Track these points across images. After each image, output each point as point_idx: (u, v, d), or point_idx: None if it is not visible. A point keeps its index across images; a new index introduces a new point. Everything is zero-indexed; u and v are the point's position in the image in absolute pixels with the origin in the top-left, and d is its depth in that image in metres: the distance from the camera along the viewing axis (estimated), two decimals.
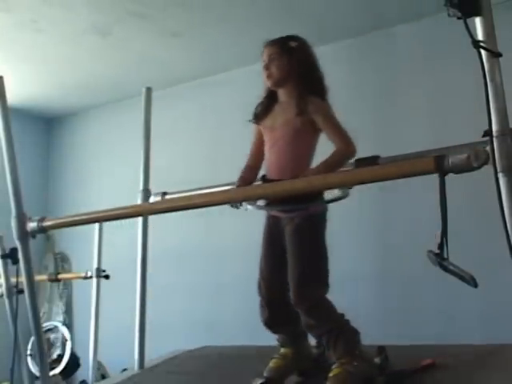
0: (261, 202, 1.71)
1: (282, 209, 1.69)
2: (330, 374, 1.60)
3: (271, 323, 1.78)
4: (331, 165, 1.63)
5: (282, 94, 1.75)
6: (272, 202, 1.69)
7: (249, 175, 1.82)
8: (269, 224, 1.78)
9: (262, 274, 1.78)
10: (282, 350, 1.80)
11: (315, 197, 1.66)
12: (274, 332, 1.82)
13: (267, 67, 1.71)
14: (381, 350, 1.74)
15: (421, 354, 1.88)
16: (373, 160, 1.77)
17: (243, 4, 3.12)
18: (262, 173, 1.83)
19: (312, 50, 1.77)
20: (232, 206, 1.71)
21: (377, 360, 1.71)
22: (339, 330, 1.65)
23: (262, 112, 1.78)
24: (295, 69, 1.70)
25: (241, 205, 1.69)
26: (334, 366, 1.62)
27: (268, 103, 1.77)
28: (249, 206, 1.67)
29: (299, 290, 1.64)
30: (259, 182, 1.79)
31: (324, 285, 1.69)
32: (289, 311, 1.72)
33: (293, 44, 1.72)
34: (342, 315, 1.70)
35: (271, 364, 1.76)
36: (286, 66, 1.70)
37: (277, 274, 1.73)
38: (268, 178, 1.72)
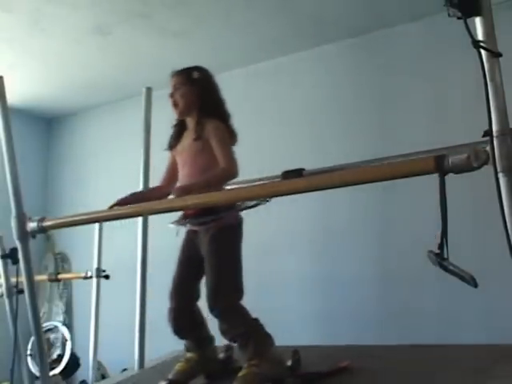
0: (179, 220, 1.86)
1: (197, 222, 1.81)
2: (239, 374, 1.70)
3: (178, 329, 1.90)
4: (209, 180, 1.76)
5: (188, 120, 1.92)
6: (189, 217, 1.81)
7: (144, 194, 2.00)
8: (187, 238, 1.92)
9: (174, 283, 1.91)
10: (188, 354, 1.93)
11: (229, 207, 1.79)
12: (181, 338, 1.93)
13: (172, 96, 1.88)
14: (294, 353, 1.84)
15: (350, 355, 1.95)
16: (298, 172, 1.88)
17: (244, 4, 3.12)
18: None
19: (213, 79, 1.97)
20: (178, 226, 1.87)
21: (289, 362, 1.81)
22: (251, 334, 1.75)
23: (174, 141, 1.95)
24: (198, 98, 1.86)
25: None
26: (243, 367, 1.73)
27: (178, 132, 1.94)
28: (171, 225, 1.84)
29: (214, 297, 1.76)
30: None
31: (237, 291, 1.80)
32: (194, 318, 1.90)
33: (196, 75, 1.90)
34: (256, 320, 1.80)
35: (176, 367, 1.87)
36: (189, 95, 1.86)
37: (188, 284, 1.89)
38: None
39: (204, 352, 1.93)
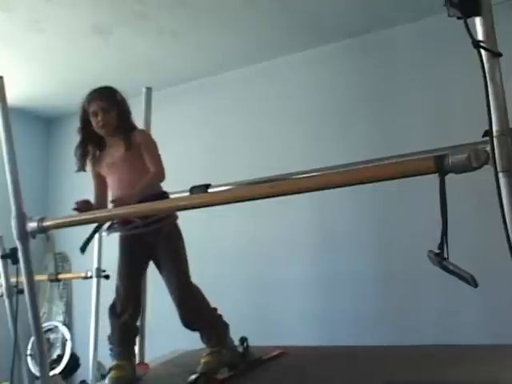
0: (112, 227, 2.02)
1: (150, 222, 1.91)
2: (203, 360, 1.90)
3: (126, 333, 2.06)
4: (143, 186, 1.92)
5: (110, 137, 2.06)
6: (126, 223, 1.95)
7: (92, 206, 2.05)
8: (129, 242, 2.04)
9: (124, 288, 2.02)
10: (120, 362, 1.99)
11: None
12: (122, 343, 2.04)
13: (102, 118, 2.01)
14: (243, 340, 2.06)
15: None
16: (204, 188, 2.06)
17: (243, 4, 3.12)
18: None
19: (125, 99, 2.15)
20: (108, 234, 2.06)
21: (240, 349, 2.05)
22: (212, 324, 1.99)
23: (95, 159, 2.11)
24: (123, 117, 2.06)
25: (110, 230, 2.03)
26: (205, 354, 1.94)
27: (94, 151, 2.12)
28: (104, 233, 2.07)
29: (181, 287, 1.96)
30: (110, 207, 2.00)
31: (190, 279, 2.04)
32: (136, 323, 2.13)
33: (118, 97, 2.11)
34: (215, 309, 2.04)
35: (113, 375, 1.94)
36: (117, 116, 2.04)
37: (137, 286, 2.08)
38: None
39: (133, 359, 2.07)
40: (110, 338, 2.05)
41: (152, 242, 1.99)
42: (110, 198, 2.06)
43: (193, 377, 1.83)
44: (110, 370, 1.96)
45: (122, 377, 1.94)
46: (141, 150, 2.00)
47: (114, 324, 2.03)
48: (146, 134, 2.10)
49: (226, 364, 1.94)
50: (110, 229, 2.03)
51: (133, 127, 2.09)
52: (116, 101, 2.09)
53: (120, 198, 1.89)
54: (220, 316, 2.05)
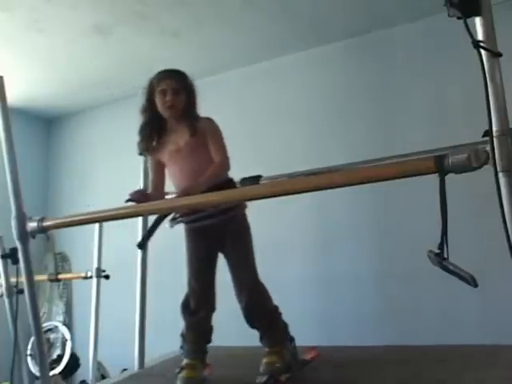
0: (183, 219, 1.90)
1: (220, 211, 1.82)
2: (266, 360, 1.82)
3: (201, 330, 1.97)
4: (209, 176, 1.80)
5: (174, 121, 1.94)
6: (195, 213, 1.86)
7: (150, 196, 1.92)
8: (197, 234, 1.94)
9: (199, 281, 1.96)
10: (192, 361, 1.90)
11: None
12: (196, 341, 1.95)
13: (172, 99, 1.90)
14: (291, 340, 1.96)
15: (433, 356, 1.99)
16: (255, 179, 2.01)
17: (243, 4, 3.12)
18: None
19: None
20: (171, 226, 1.90)
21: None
22: (275, 322, 1.91)
23: (157, 143, 1.96)
24: (191, 102, 1.95)
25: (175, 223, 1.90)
26: (268, 353, 1.85)
27: (158, 130, 1.96)
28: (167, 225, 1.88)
29: (251, 281, 1.88)
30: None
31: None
32: (211, 320, 1.99)
33: (189, 81, 2.00)
34: (277, 307, 1.94)
35: (184, 375, 1.84)
36: (186, 100, 1.93)
37: (212, 280, 1.97)
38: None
39: (205, 358, 1.97)
40: (182, 335, 1.95)
41: (221, 233, 1.88)
42: (173, 187, 1.96)
43: (263, 379, 1.76)
44: (182, 369, 1.87)
45: (194, 377, 1.85)
46: (206, 138, 1.89)
47: (189, 321, 1.94)
48: (212, 121, 1.95)
49: (287, 364, 1.84)
50: (173, 220, 1.89)
51: (198, 116, 1.97)
52: (186, 84, 1.99)
53: (185, 189, 1.77)
54: (281, 314, 1.95)
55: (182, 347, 1.94)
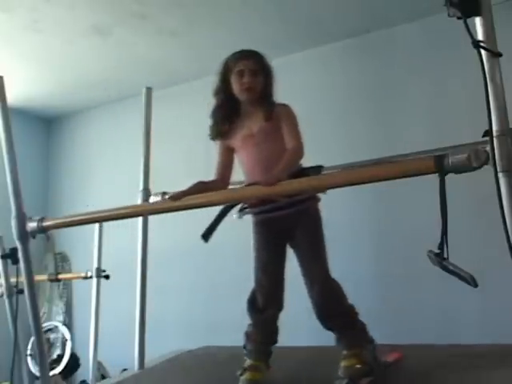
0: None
1: (294, 201, 1.71)
2: (345, 364, 1.66)
3: (269, 329, 1.82)
4: (287, 163, 1.65)
5: (249, 105, 1.82)
6: (263, 203, 1.75)
7: (206, 185, 1.82)
8: (265, 226, 1.81)
9: (266, 276, 1.80)
10: (256, 362, 1.77)
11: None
12: (263, 341, 1.81)
13: (249, 80, 1.77)
14: (371, 340, 1.78)
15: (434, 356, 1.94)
16: (317, 169, 1.84)
17: (242, 4, 3.12)
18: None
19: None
20: (240, 217, 1.78)
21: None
22: (352, 322, 1.74)
23: (229, 128, 1.83)
24: (268, 85, 1.82)
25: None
26: (346, 356, 1.68)
27: (231, 115, 1.83)
28: (235, 216, 1.77)
29: (322, 277, 1.73)
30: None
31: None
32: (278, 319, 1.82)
33: (268, 63, 1.85)
34: (353, 306, 1.77)
35: (247, 377, 1.72)
36: (263, 83, 1.80)
37: (281, 275, 1.82)
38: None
39: (269, 360, 1.82)
40: (247, 334, 1.83)
41: (291, 226, 1.75)
42: (248, 177, 1.83)
43: (343, 383, 1.63)
44: (244, 370, 1.73)
45: (258, 380, 1.71)
46: (280, 123, 1.76)
47: (255, 319, 1.81)
48: (288, 107, 1.82)
49: (367, 367, 1.68)
50: (242, 211, 1.77)
51: (274, 101, 1.84)
52: (264, 65, 1.83)
53: (266, 179, 1.58)
54: (358, 314, 1.78)
55: (244, 347, 1.82)
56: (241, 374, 1.72)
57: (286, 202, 1.69)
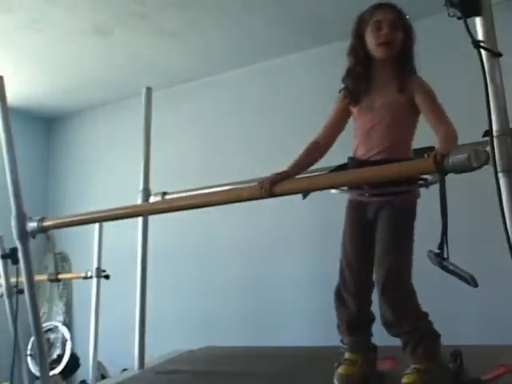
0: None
1: (380, 192, 1.54)
2: (404, 381, 1.46)
3: (354, 323, 1.62)
4: (452, 145, 1.36)
5: (381, 68, 1.57)
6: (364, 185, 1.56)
7: (307, 158, 1.67)
8: (354, 209, 1.62)
9: (350, 266, 1.61)
10: (351, 355, 1.61)
11: (414, 180, 1.53)
12: (351, 333, 1.63)
13: (389, 33, 1.54)
14: (456, 353, 1.56)
15: (495, 355, 1.79)
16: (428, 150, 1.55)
17: (242, 5, 3.12)
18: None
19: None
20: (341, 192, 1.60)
21: (451, 366, 1.54)
22: (421, 332, 1.52)
23: (361, 90, 1.58)
24: (406, 48, 1.58)
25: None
26: (408, 371, 1.48)
27: (365, 78, 1.58)
28: (333, 191, 1.58)
29: (389, 278, 1.50)
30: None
31: (411, 277, 1.55)
32: (370, 310, 1.62)
33: (409, 21, 1.62)
34: (426, 314, 1.56)
35: (341, 371, 1.57)
36: (401, 40, 1.56)
37: (367, 265, 1.57)
38: (359, 159, 1.57)
39: (369, 353, 1.64)
40: (338, 327, 1.68)
41: (374, 216, 1.56)
42: (358, 148, 1.59)
43: None
44: (339, 364, 1.58)
45: (352, 374, 1.55)
46: (415, 101, 1.53)
47: (342, 312, 1.66)
48: (425, 82, 1.58)
49: None
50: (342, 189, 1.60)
51: (413, 70, 1.58)
52: (406, 22, 1.60)
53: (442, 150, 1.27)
54: (431, 323, 1.56)
55: (341, 340, 1.67)
56: (336, 368, 1.59)
57: (381, 188, 1.51)
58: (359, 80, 1.58)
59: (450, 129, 1.46)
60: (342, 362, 1.59)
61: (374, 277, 1.56)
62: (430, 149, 1.48)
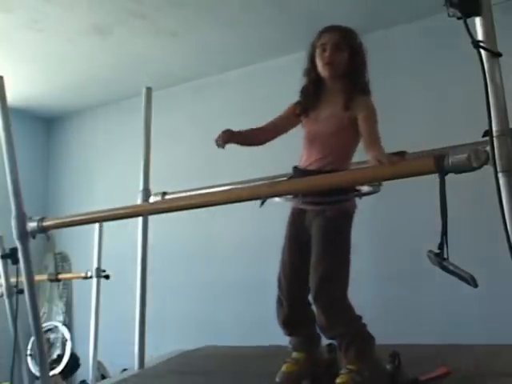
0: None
1: (314, 201, 1.64)
2: (337, 381, 1.53)
3: (289, 322, 1.70)
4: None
5: (330, 85, 1.70)
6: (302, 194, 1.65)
7: (251, 131, 1.84)
8: (294, 216, 1.72)
9: (284, 268, 1.72)
10: (295, 353, 1.70)
11: (349, 191, 1.63)
12: (290, 333, 1.72)
13: (331, 54, 1.65)
14: (394, 355, 1.62)
15: (434, 356, 1.83)
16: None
17: (242, 5, 3.12)
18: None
19: (366, 51, 1.74)
20: (261, 205, 1.68)
21: (388, 367, 1.60)
22: (353, 334, 1.58)
23: (311, 104, 1.73)
24: (354, 66, 1.68)
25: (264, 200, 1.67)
26: (341, 372, 1.55)
27: (315, 94, 1.73)
28: (276, 199, 1.66)
29: (321, 285, 1.58)
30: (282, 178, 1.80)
31: (345, 284, 1.65)
32: (308, 311, 1.68)
33: (358, 41, 1.70)
34: (360, 318, 1.62)
35: (284, 369, 1.66)
36: (347, 60, 1.66)
37: (300, 270, 1.65)
38: (302, 169, 1.70)
39: (313, 352, 1.71)
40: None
41: (310, 224, 1.65)
42: (302, 157, 1.74)
43: None
44: (284, 362, 1.67)
45: (293, 372, 1.63)
46: (356, 120, 1.64)
47: (279, 312, 1.74)
48: (370, 103, 1.69)
49: None
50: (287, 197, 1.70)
51: (362, 89, 1.70)
52: (353, 42, 1.68)
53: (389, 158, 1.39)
54: (364, 326, 1.62)
55: (290, 341, 1.75)
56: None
57: (317, 197, 1.61)
58: (310, 96, 1.74)
59: (379, 154, 1.52)
60: (287, 360, 1.68)
61: (310, 282, 1.62)
62: (401, 153, 1.58)
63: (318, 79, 1.72)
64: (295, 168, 1.73)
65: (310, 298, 1.64)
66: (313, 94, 1.73)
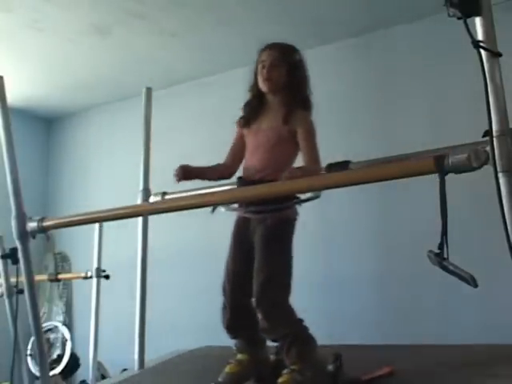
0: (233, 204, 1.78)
1: (255, 210, 1.72)
2: (279, 380, 1.60)
3: (232, 327, 1.80)
4: (312, 171, 1.64)
5: (271, 100, 1.80)
6: (245, 203, 1.74)
7: (213, 168, 1.89)
8: (238, 225, 1.81)
9: (228, 276, 1.81)
10: (239, 355, 1.79)
11: (289, 198, 1.71)
12: (233, 336, 1.82)
13: (268, 71, 1.75)
14: (336, 356, 1.69)
15: (384, 356, 1.87)
16: (344, 165, 1.83)
17: (242, 4, 3.12)
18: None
19: (307, 66, 1.84)
20: (212, 212, 1.75)
21: (330, 367, 1.67)
22: (295, 336, 1.66)
23: (252, 116, 1.82)
24: (292, 81, 1.77)
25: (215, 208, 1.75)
26: (284, 372, 1.63)
27: (257, 107, 1.82)
28: (222, 209, 1.73)
29: (262, 291, 1.66)
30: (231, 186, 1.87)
31: (287, 289, 1.73)
32: (250, 316, 1.74)
33: (297, 57, 1.82)
34: (301, 321, 1.71)
35: (227, 370, 1.74)
36: (285, 76, 1.76)
37: (243, 277, 1.73)
38: (245, 179, 1.76)
39: (256, 354, 1.80)
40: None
41: (253, 232, 1.74)
42: (244, 167, 1.82)
43: None
44: (227, 363, 1.76)
45: (235, 372, 1.72)
46: (296, 133, 1.71)
47: (223, 315, 1.83)
48: (309, 117, 1.76)
49: None
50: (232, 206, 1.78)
51: (303, 104, 1.78)
52: (291, 58, 1.79)
53: (299, 171, 1.56)
54: (305, 328, 1.70)
55: (235, 343, 1.85)
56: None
57: (258, 205, 1.69)
58: (252, 109, 1.83)
59: (316, 168, 1.69)
60: (230, 362, 1.76)
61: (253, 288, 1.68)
62: (346, 162, 1.81)
63: (260, 94, 1.80)
64: (239, 178, 1.80)
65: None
66: (255, 107, 1.82)
